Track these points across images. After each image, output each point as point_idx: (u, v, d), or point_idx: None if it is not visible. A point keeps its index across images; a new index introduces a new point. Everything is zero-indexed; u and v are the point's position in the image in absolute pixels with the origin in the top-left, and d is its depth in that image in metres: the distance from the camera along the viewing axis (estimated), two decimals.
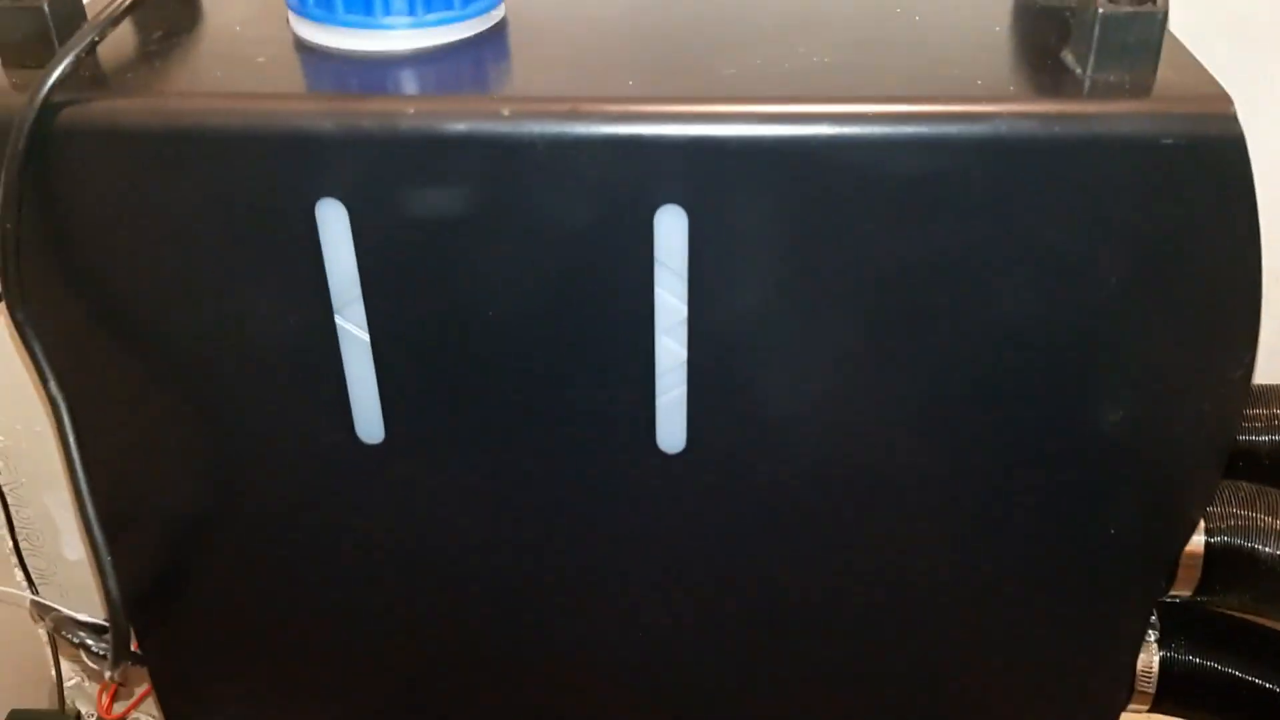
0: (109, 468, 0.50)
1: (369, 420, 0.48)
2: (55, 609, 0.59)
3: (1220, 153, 0.40)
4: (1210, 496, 0.54)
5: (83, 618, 0.58)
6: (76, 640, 0.57)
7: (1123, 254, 0.43)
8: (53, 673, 1.05)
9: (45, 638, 0.98)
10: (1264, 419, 0.61)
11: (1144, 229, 0.42)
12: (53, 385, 0.47)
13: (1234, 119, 0.40)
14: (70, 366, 0.47)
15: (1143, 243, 0.43)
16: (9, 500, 0.88)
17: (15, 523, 0.88)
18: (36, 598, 0.61)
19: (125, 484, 0.52)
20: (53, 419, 0.47)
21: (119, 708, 0.78)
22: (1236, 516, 0.56)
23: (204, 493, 0.52)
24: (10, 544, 0.87)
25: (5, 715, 0.98)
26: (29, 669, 1.04)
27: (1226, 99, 0.41)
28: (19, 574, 0.97)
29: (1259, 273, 0.43)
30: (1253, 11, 0.63)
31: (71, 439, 0.48)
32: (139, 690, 0.69)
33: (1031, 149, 0.41)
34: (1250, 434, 0.61)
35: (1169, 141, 0.40)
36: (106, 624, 0.55)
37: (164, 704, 0.59)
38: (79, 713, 0.97)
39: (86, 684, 1.01)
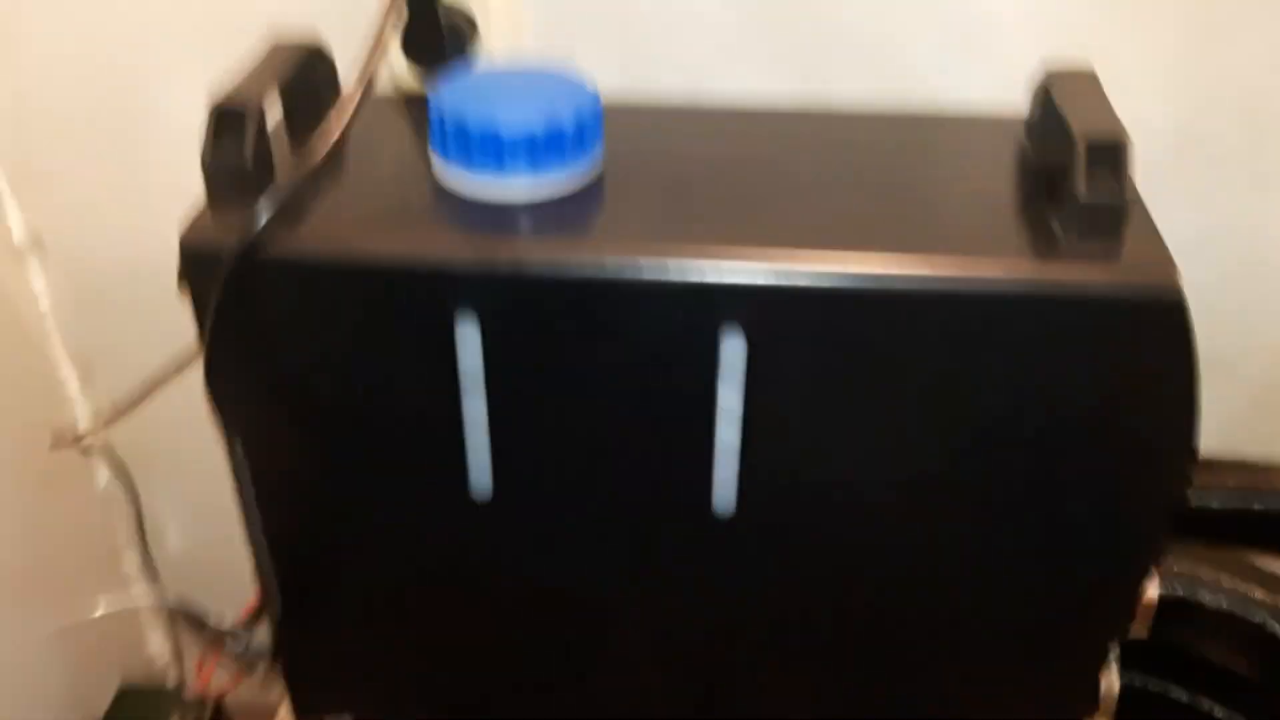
0: (273, 508, 0.62)
1: (481, 481, 0.60)
2: (202, 620, 0.70)
3: (1166, 313, 0.51)
4: (1158, 558, 0.65)
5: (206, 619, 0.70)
6: (226, 648, 0.68)
7: (1091, 389, 0.53)
8: (152, 650, 1.16)
9: (160, 625, 1.10)
10: (1214, 486, 0.73)
11: (1108, 371, 0.53)
12: (238, 447, 0.59)
13: (1177, 286, 0.50)
14: (250, 433, 0.59)
15: (1108, 381, 0.53)
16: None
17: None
18: (179, 607, 0.73)
19: (284, 522, 0.64)
20: (234, 478, 0.60)
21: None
22: (1185, 573, 0.68)
23: (345, 530, 0.64)
24: (138, 540, 0.98)
25: (116, 690, 1.10)
26: (136, 647, 1.16)
27: (1173, 267, 0.51)
28: (126, 564, 1.08)
29: (1196, 407, 0.53)
30: None
31: (249, 489, 0.60)
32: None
33: (1015, 303, 0.51)
34: (1204, 501, 0.72)
35: (1127, 303, 0.51)
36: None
37: (293, 692, 0.72)
38: (181, 689, 1.09)
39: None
